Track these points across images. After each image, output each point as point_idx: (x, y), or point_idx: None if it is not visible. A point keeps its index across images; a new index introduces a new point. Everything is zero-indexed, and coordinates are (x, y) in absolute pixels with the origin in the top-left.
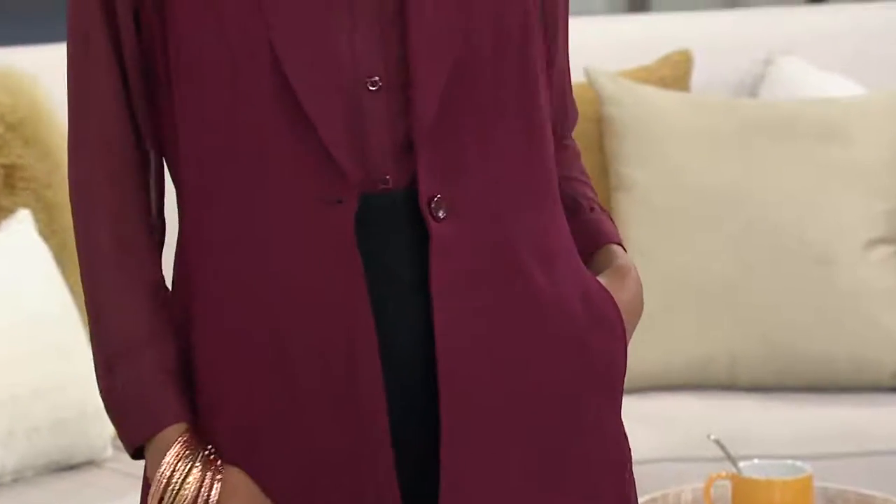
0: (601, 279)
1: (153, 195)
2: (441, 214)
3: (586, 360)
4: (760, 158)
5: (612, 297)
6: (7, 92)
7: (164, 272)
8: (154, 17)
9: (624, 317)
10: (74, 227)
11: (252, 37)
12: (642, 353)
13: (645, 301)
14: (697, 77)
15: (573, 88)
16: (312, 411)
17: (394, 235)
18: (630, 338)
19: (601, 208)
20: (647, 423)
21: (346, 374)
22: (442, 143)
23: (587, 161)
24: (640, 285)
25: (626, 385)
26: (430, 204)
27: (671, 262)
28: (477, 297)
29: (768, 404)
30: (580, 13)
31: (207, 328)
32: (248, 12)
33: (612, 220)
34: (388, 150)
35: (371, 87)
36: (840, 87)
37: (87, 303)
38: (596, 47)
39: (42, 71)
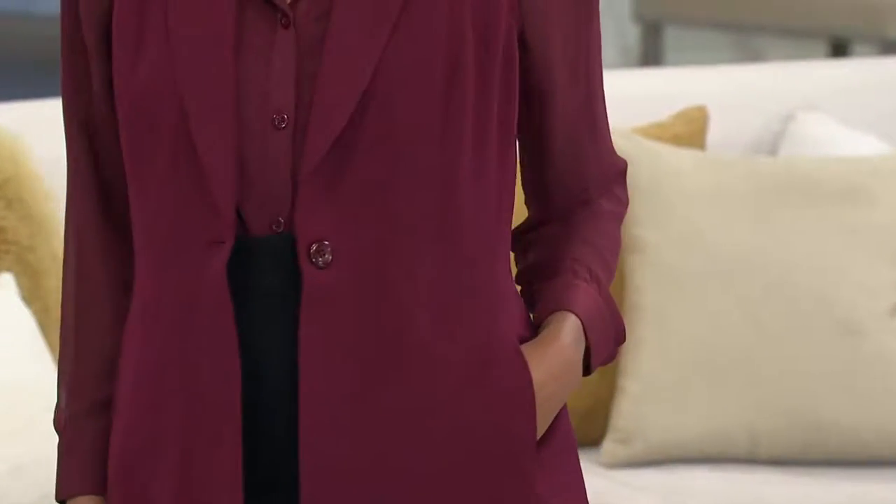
0: (524, 348)
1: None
2: (322, 261)
3: (464, 430)
4: (780, 220)
5: (524, 369)
6: None
7: None
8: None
9: (538, 392)
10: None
11: (161, 76)
12: (654, 422)
13: (658, 368)
14: (713, 134)
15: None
16: (175, 446)
17: (268, 280)
18: (549, 417)
19: (592, 276)
20: (660, 498)
21: (209, 422)
22: (331, 185)
23: None
24: (568, 359)
25: (636, 456)
26: (309, 249)
27: (685, 328)
28: (346, 353)
29: (791, 479)
30: None
31: (120, 370)
32: (159, 51)
33: (600, 289)
34: (285, 191)
35: (277, 125)
36: (865, 144)
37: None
38: (607, 103)
39: (25, 128)
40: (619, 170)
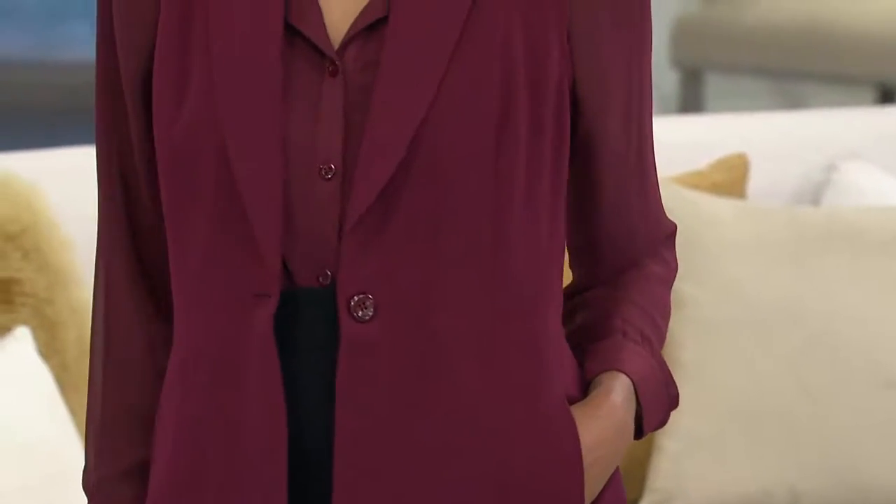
0: (573, 408)
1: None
2: (363, 314)
3: (509, 491)
4: (822, 271)
5: (573, 430)
6: (5, 200)
7: None
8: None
9: (586, 455)
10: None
11: (204, 123)
12: (694, 482)
13: (697, 425)
14: (754, 183)
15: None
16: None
17: (311, 333)
18: (600, 481)
19: (643, 338)
20: None
21: (252, 467)
22: (376, 238)
23: None
24: (620, 420)
25: None
26: (349, 302)
27: (724, 383)
28: (390, 405)
29: None
30: None
31: (158, 416)
32: (203, 98)
33: (652, 351)
34: (331, 242)
35: (325, 176)
36: None
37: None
38: None
39: (42, 177)
40: (669, 232)
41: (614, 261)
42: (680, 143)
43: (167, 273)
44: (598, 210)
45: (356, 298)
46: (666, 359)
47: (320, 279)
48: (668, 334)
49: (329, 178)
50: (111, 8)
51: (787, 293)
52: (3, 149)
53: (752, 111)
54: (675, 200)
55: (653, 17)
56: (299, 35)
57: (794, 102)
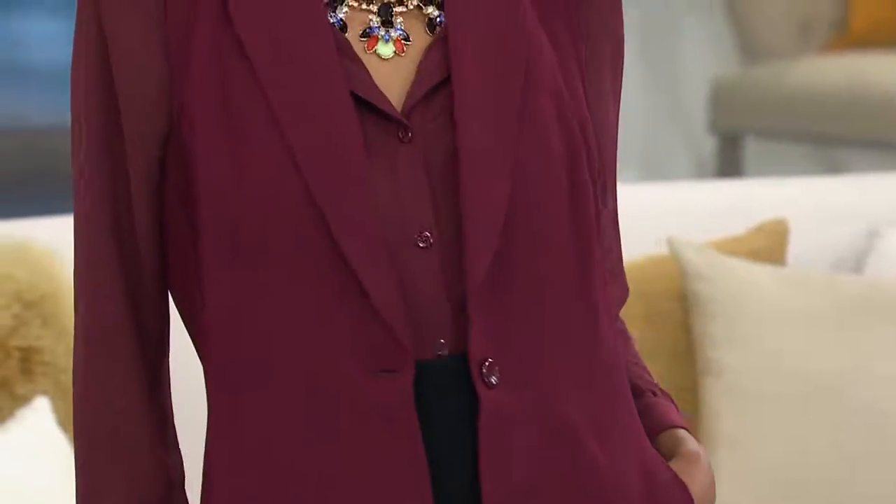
0: (673, 466)
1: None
2: (493, 381)
3: None
4: (866, 342)
5: (683, 484)
6: (24, 267)
7: None
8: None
9: None
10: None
11: (291, 194)
12: None
13: (736, 498)
14: (794, 250)
15: (653, 260)
16: None
17: (448, 405)
18: None
19: (663, 392)
20: None
21: None
22: (494, 303)
23: (670, 342)
24: (712, 476)
25: None
26: (481, 370)
27: (764, 456)
28: (528, 472)
29: None
30: (662, 178)
31: None
32: (283, 169)
33: (677, 407)
34: (444, 312)
35: (421, 245)
36: None
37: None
38: (680, 215)
39: (61, 244)
40: (627, 295)
41: None
42: (718, 208)
43: (165, 344)
44: None
45: (486, 365)
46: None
47: (437, 351)
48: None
49: (426, 247)
50: (110, 71)
51: (828, 363)
52: (21, 215)
53: (791, 175)
54: (714, 267)
55: (690, 81)
56: (361, 102)
57: (835, 168)
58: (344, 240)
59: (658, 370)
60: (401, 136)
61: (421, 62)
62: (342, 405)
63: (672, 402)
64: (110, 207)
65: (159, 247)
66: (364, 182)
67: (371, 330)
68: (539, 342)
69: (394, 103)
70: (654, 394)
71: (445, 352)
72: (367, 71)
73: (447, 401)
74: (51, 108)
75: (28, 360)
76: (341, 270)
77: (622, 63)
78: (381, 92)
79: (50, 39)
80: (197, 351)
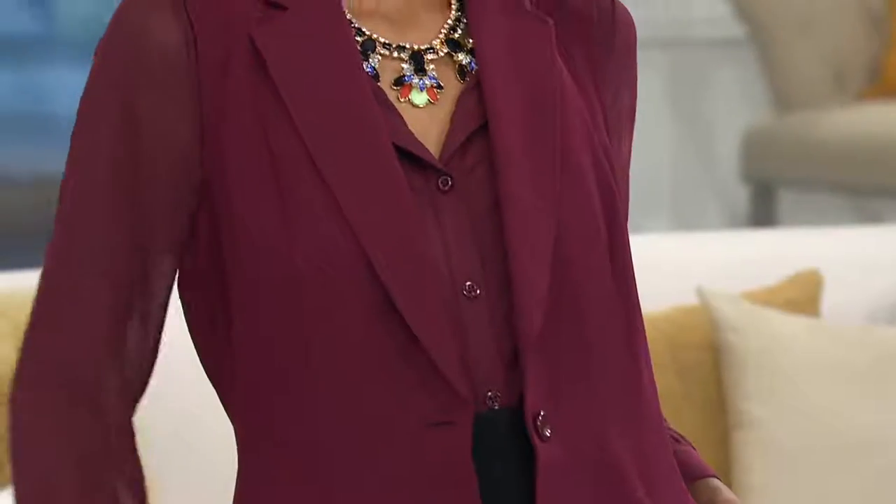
0: None
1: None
2: (547, 433)
3: None
4: None
5: None
6: None
7: None
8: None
9: None
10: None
11: (340, 246)
12: None
13: None
14: (828, 301)
15: (684, 310)
16: None
17: (502, 457)
18: None
19: (685, 440)
20: None
21: None
22: (545, 355)
23: (700, 394)
24: None
25: None
26: (536, 422)
27: None
28: None
29: None
30: (694, 227)
31: None
32: (330, 220)
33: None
34: (497, 363)
35: (468, 295)
36: None
37: None
38: (712, 266)
39: None
40: None
41: None
42: (751, 258)
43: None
44: None
45: (540, 418)
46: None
47: (489, 402)
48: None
49: (474, 298)
50: (134, 122)
51: (863, 417)
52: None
53: (825, 225)
54: (746, 317)
55: (722, 130)
56: (401, 152)
57: (869, 218)
58: (398, 294)
59: (688, 422)
60: (441, 185)
61: (455, 110)
62: (399, 458)
63: (694, 448)
64: (111, 285)
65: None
66: (415, 235)
67: (428, 382)
68: (588, 393)
69: (431, 151)
70: (677, 440)
71: (497, 404)
72: (404, 120)
73: (502, 453)
74: None
75: None
76: (396, 324)
77: (634, 114)
78: (419, 141)
79: (75, 90)
80: (226, 408)
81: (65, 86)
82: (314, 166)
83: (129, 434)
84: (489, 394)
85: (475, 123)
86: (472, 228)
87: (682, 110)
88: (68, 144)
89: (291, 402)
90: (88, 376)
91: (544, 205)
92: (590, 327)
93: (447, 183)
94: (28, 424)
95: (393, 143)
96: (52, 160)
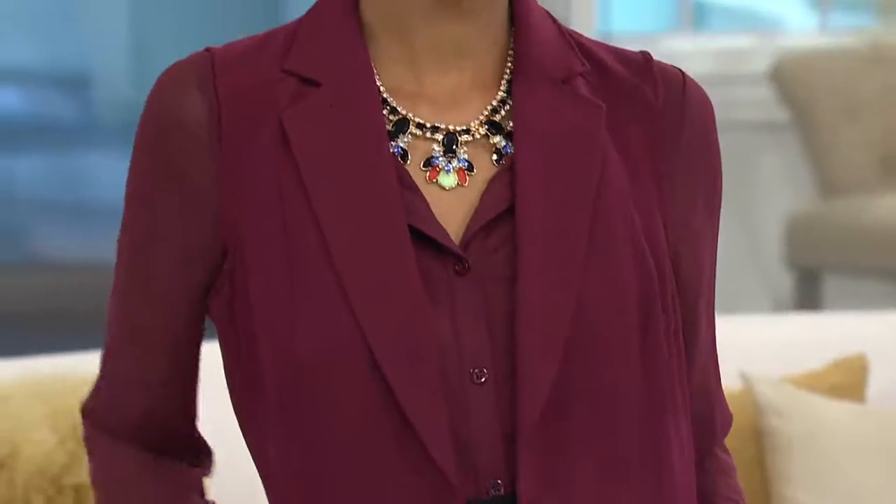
0: None
1: None
2: None
3: None
4: None
5: None
6: None
7: None
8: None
9: None
10: None
11: (343, 338)
12: None
13: None
14: (874, 385)
15: (726, 394)
16: None
17: None
18: None
19: None
20: None
21: None
22: (547, 442)
23: (743, 480)
24: None
25: None
26: None
27: None
28: None
29: None
30: (736, 310)
31: None
32: (336, 311)
33: None
34: (497, 450)
35: (476, 380)
36: None
37: None
38: (754, 349)
39: None
40: (730, 421)
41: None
42: (795, 342)
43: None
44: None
45: None
46: None
47: (492, 490)
48: None
49: (481, 383)
50: (163, 215)
51: None
52: (85, 348)
53: (871, 308)
54: (791, 402)
55: (767, 215)
56: (418, 234)
57: None
58: (397, 384)
59: None
60: (457, 269)
61: (485, 192)
62: None
63: None
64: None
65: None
66: (419, 324)
67: (423, 470)
68: (598, 479)
69: (453, 234)
70: None
71: (501, 491)
72: (426, 202)
73: None
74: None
75: (82, 499)
76: (395, 411)
77: (719, 201)
78: (439, 224)
79: (112, 175)
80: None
81: (103, 171)
82: (327, 252)
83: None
84: (495, 481)
85: (502, 205)
86: (485, 311)
87: (727, 195)
88: (106, 229)
89: (293, 472)
90: (141, 419)
91: (564, 287)
92: (603, 410)
93: (464, 266)
94: (105, 471)
95: (412, 226)
96: (91, 245)
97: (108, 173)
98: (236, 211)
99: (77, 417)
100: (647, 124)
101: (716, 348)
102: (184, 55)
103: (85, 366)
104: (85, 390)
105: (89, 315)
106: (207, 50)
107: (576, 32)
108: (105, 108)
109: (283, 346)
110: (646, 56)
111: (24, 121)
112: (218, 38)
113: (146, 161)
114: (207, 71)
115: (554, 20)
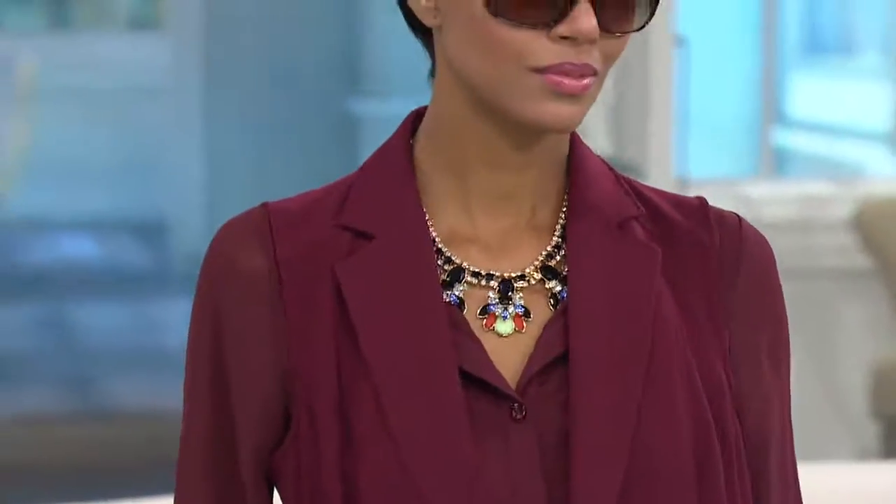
0: None
1: None
2: None
3: None
4: None
5: None
6: None
7: None
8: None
9: None
10: None
11: (396, 489)
12: None
13: None
14: None
15: None
16: None
17: None
18: None
19: None
20: None
21: None
22: None
23: None
24: None
25: None
26: None
27: None
28: None
29: None
30: (817, 458)
31: None
32: (387, 461)
33: None
34: None
35: None
36: None
37: None
38: (840, 499)
39: None
40: None
41: None
42: (880, 490)
43: None
44: None
45: None
46: None
47: None
48: None
49: None
50: (223, 363)
51: None
52: (157, 494)
53: None
54: None
55: (851, 364)
56: (471, 379)
57: None
58: None
59: None
60: (514, 413)
61: (540, 337)
62: None
63: None
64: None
65: None
66: (467, 472)
67: None
68: None
69: (510, 379)
70: None
71: None
72: (483, 348)
73: None
74: None
75: None
76: None
77: (786, 354)
78: (494, 369)
79: (185, 323)
80: None
81: (176, 319)
82: (379, 406)
83: None
84: None
85: (557, 351)
86: (541, 460)
87: (808, 343)
88: (181, 377)
89: None
90: None
91: (619, 438)
92: None
93: (521, 411)
94: None
95: (467, 372)
96: (165, 393)
97: (181, 321)
98: (298, 357)
99: None
100: (703, 268)
101: (793, 476)
102: None
103: None
104: None
105: (166, 464)
106: (264, 206)
107: (632, 179)
108: (179, 258)
109: (335, 490)
110: (701, 201)
111: (100, 268)
112: (292, 190)
113: (213, 301)
114: (265, 227)
115: (610, 167)
